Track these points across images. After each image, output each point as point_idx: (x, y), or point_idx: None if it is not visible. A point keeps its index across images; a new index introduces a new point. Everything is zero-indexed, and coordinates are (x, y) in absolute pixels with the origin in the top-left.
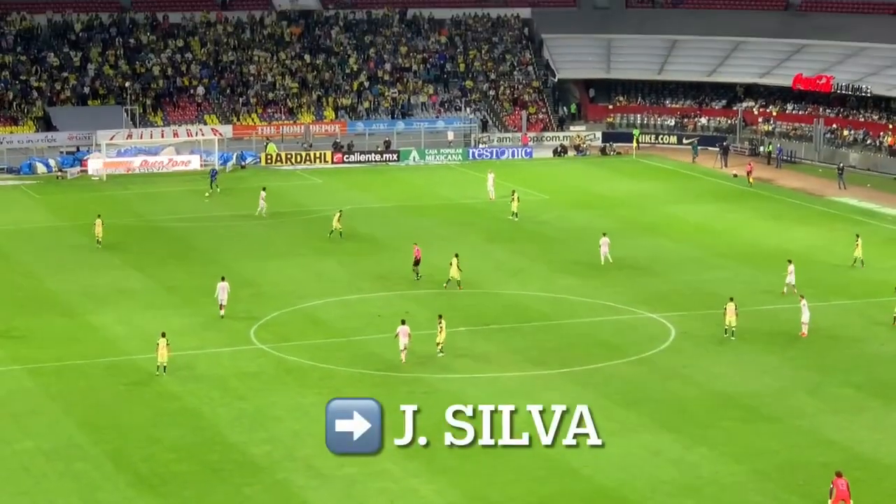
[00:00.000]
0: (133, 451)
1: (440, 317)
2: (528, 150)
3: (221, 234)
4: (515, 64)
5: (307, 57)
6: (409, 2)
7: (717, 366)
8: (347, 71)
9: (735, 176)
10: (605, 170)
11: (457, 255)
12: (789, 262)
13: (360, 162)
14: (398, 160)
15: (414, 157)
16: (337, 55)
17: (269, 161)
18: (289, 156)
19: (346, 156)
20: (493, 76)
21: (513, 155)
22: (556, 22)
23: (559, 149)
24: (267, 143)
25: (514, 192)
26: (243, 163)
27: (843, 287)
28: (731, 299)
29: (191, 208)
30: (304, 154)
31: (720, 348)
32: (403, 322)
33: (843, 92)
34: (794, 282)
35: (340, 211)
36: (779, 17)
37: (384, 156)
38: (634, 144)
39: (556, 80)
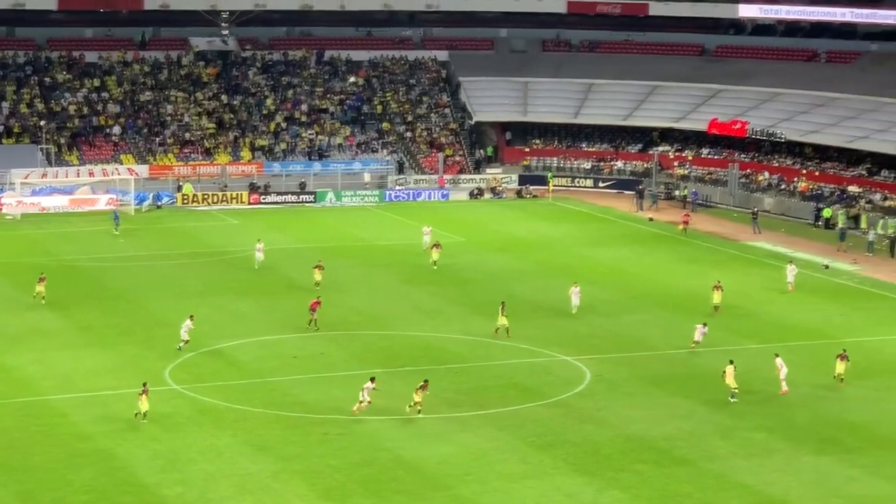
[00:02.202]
0: (43, 492)
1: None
2: (445, 193)
3: (137, 274)
4: (432, 106)
5: (224, 97)
6: (327, 43)
7: (631, 409)
8: (264, 112)
9: (651, 220)
10: (521, 212)
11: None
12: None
13: (276, 203)
14: (315, 201)
15: (330, 199)
16: (254, 96)
17: (185, 201)
18: (205, 196)
19: (263, 196)
20: (409, 118)
21: (429, 197)
22: (473, 65)
23: (475, 191)
24: (182, 184)
25: (437, 243)
26: (159, 203)
27: (755, 331)
28: (731, 362)
29: (106, 248)
30: (220, 195)
31: (634, 391)
32: (372, 379)
33: (758, 137)
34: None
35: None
36: (694, 63)
37: (301, 197)
38: (549, 187)
39: (472, 122)
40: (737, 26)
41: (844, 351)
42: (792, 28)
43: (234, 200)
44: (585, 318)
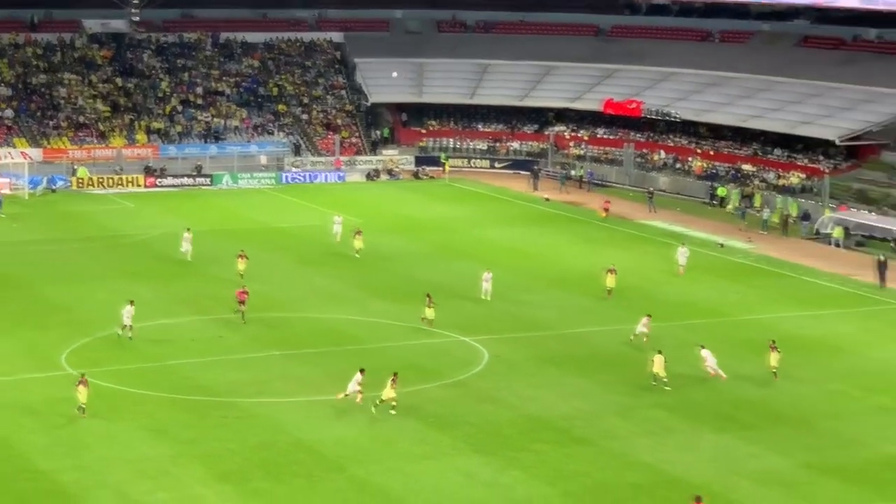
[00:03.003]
0: None
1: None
2: (341, 174)
3: (31, 259)
4: (328, 88)
5: (119, 80)
6: (222, 26)
7: (530, 389)
8: (159, 94)
9: (547, 199)
10: (418, 194)
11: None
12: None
13: (172, 186)
14: (211, 184)
15: (227, 181)
16: (149, 78)
17: (80, 185)
18: (100, 180)
19: (159, 180)
20: (305, 100)
21: (325, 179)
22: (369, 46)
23: (372, 173)
24: (77, 167)
25: (358, 231)
26: (54, 187)
27: (652, 310)
28: (660, 352)
29: None
30: (115, 178)
31: (532, 372)
32: (362, 371)
33: (653, 116)
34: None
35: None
36: (589, 43)
37: (197, 180)
38: (445, 168)
39: (368, 104)
40: (632, 6)
41: (774, 342)
42: (686, 8)
43: (130, 184)
44: (482, 298)
